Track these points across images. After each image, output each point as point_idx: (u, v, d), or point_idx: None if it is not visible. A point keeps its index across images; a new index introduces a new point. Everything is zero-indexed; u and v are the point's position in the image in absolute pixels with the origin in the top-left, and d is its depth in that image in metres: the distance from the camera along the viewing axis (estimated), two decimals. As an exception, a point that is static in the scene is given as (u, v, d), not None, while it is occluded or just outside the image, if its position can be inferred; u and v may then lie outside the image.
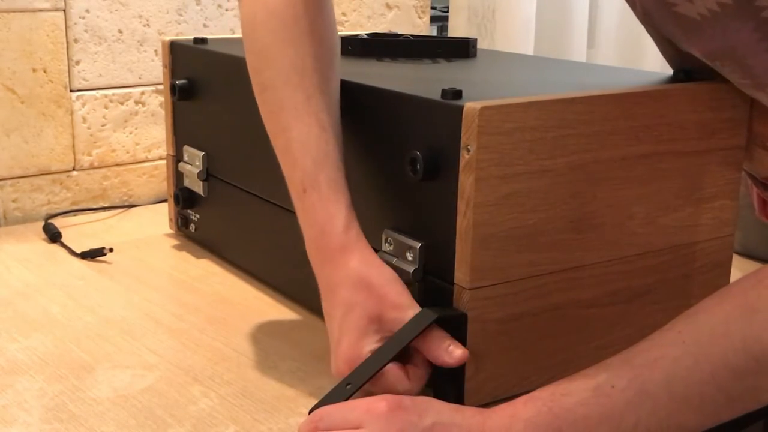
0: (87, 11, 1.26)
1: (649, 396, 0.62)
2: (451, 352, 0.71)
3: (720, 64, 0.78)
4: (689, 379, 0.62)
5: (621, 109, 0.76)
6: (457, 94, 0.73)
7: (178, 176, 1.14)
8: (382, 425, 0.62)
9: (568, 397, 0.63)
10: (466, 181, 0.70)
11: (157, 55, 1.33)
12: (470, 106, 0.69)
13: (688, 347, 0.63)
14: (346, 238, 0.74)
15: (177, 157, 1.14)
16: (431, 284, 0.76)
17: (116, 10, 1.28)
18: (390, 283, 0.73)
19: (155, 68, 1.33)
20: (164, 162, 1.29)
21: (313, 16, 0.80)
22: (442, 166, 0.73)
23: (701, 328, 0.64)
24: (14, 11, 1.20)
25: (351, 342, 0.72)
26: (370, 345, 0.71)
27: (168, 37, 1.13)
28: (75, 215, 1.27)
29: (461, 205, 0.71)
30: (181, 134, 1.13)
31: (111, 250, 1.09)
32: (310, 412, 0.68)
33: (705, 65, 0.81)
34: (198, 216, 1.12)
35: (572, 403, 0.62)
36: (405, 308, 0.72)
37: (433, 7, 1.69)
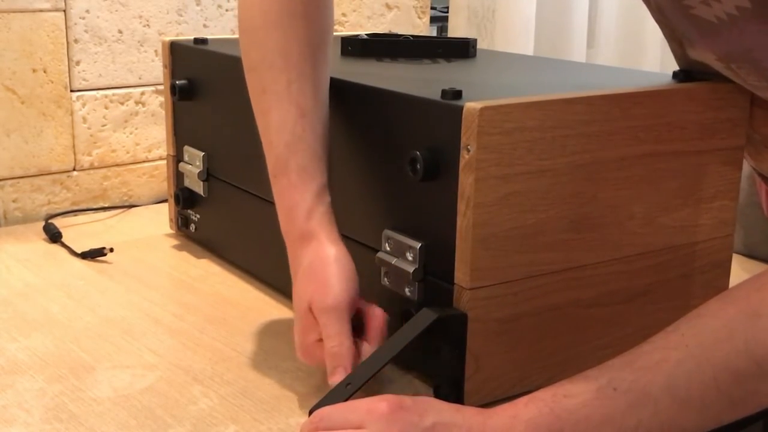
0: (87, 11, 1.26)
1: (651, 398, 0.62)
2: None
3: (735, 66, 0.78)
4: (691, 382, 0.62)
5: (621, 109, 0.76)
6: (457, 94, 0.73)
7: (179, 176, 1.14)
8: (383, 425, 0.62)
9: (569, 398, 0.63)
10: (466, 181, 0.70)
11: (157, 55, 1.33)
12: (470, 106, 0.69)
13: (690, 350, 0.63)
14: (306, 226, 0.76)
15: (177, 157, 1.14)
16: (431, 284, 0.76)
17: (116, 11, 1.28)
18: (327, 271, 0.74)
19: (155, 68, 1.33)
20: (164, 162, 1.29)
21: (307, 0, 0.80)
22: (442, 166, 0.73)
23: (704, 331, 0.63)
24: (14, 11, 1.20)
25: (297, 330, 0.76)
26: (312, 334, 0.74)
27: (168, 38, 1.13)
28: (75, 215, 1.27)
29: (461, 205, 0.71)
30: (181, 134, 1.13)
31: (111, 250, 1.09)
32: (310, 412, 0.68)
33: (712, 70, 0.81)
34: (198, 216, 1.12)
35: (574, 405, 0.62)
36: (328, 290, 0.73)
37: (433, 8, 1.69)
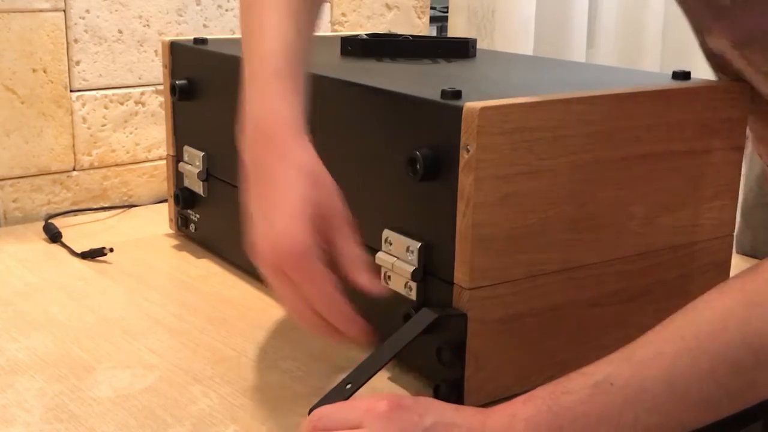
0: (87, 11, 1.26)
1: (648, 392, 0.62)
2: (368, 281, 0.69)
3: (749, 52, 0.77)
4: (688, 374, 0.62)
5: (621, 109, 0.76)
6: (457, 94, 0.73)
7: (178, 176, 1.14)
8: (383, 424, 0.62)
9: (567, 395, 0.63)
10: (466, 181, 0.70)
11: (157, 55, 1.33)
12: (470, 106, 0.69)
13: (687, 343, 0.62)
14: (298, 127, 0.71)
15: (177, 157, 1.14)
16: (431, 284, 0.76)
17: (116, 11, 1.28)
18: (334, 186, 0.71)
19: (155, 68, 1.33)
20: (164, 162, 1.29)
21: None
22: (442, 166, 0.73)
23: (700, 323, 0.63)
24: (14, 11, 1.20)
25: (292, 226, 0.66)
26: (310, 235, 0.66)
27: (168, 38, 1.13)
28: (75, 215, 1.27)
29: (461, 205, 0.71)
30: (181, 134, 1.13)
31: (111, 250, 1.09)
32: (310, 412, 0.68)
33: (729, 69, 0.80)
34: (198, 216, 1.12)
35: (572, 402, 0.62)
36: (338, 196, 0.70)
37: (432, 8, 1.69)
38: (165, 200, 1.25)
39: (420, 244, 0.76)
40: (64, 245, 1.13)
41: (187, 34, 1.34)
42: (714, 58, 0.83)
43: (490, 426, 0.63)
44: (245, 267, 1.05)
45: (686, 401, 0.62)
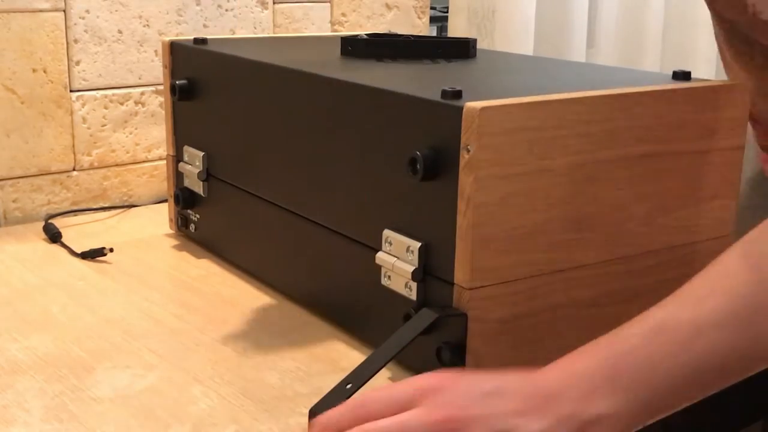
0: (87, 11, 1.26)
1: (703, 333, 0.60)
2: None
3: None
4: (748, 307, 0.60)
5: (621, 109, 0.76)
6: (457, 94, 0.73)
7: (178, 176, 1.14)
8: (442, 398, 0.59)
9: (624, 342, 0.61)
10: (466, 181, 0.70)
11: (157, 55, 1.33)
12: (470, 106, 0.69)
13: (742, 277, 0.61)
14: None
15: (177, 157, 1.14)
16: (431, 284, 0.76)
17: (116, 11, 1.28)
18: None
19: (155, 68, 1.33)
20: (164, 162, 1.29)
21: None
22: (442, 166, 0.73)
23: (761, 252, 0.62)
24: (14, 11, 1.20)
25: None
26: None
27: (168, 38, 1.13)
28: (75, 215, 1.27)
29: (461, 205, 0.71)
30: (181, 134, 1.13)
31: (111, 250, 1.09)
32: (310, 411, 0.68)
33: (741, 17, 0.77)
34: (198, 216, 1.12)
35: (630, 347, 0.60)
36: None
37: (432, 8, 1.69)
38: (165, 200, 1.25)
39: (420, 244, 0.76)
40: (64, 245, 1.13)
41: (187, 34, 1.34)
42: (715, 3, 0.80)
43: (542, 382, 0.60)
44: (245, 267, 1.05)
45: (746, 334, 0.59)
